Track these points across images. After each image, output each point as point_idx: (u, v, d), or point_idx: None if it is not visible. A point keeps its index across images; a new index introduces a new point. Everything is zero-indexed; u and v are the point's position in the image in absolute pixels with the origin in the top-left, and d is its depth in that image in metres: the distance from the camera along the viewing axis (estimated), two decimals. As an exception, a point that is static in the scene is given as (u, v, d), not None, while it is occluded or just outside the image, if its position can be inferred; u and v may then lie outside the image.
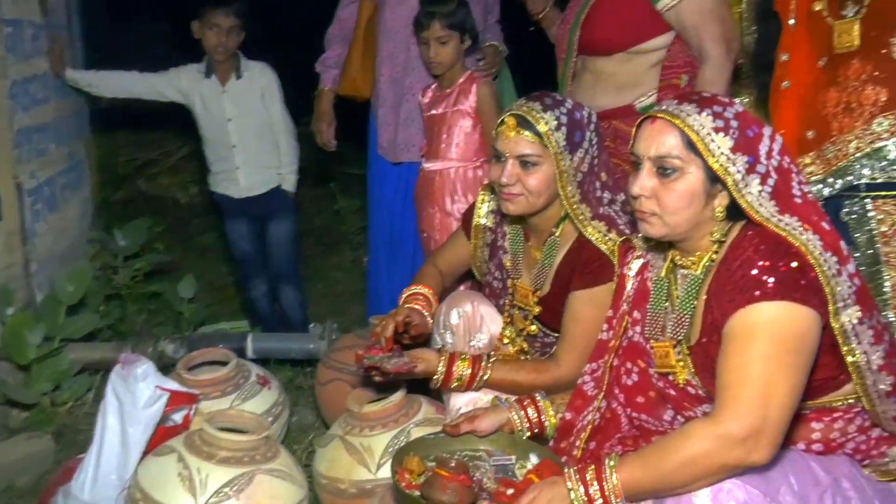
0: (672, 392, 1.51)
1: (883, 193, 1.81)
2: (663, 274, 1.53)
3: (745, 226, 1.40)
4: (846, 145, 1.83)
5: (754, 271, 1.30)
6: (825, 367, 1.34)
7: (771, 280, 1.28)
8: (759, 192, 1.35)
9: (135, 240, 3.16)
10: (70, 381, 2.54)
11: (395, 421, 1.93)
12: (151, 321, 3.07)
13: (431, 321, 1.99)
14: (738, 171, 1.34)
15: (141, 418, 1.77)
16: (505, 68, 2.86)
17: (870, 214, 1.83)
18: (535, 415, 1.71)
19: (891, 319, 1.76)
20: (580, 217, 1.78)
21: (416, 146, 2.72)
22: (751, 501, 1.26)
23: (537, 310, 1.90)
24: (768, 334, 1.27)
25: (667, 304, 1.52)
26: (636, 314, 1.59)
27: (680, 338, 1.46)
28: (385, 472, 1.83)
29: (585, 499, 1.33)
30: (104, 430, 1.79)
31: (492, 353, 1.92)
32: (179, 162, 5.36)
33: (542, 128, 1.73)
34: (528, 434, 1.70)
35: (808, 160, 1.89)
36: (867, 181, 1.81)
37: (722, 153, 1.34)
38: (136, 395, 1.77)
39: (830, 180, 1.86)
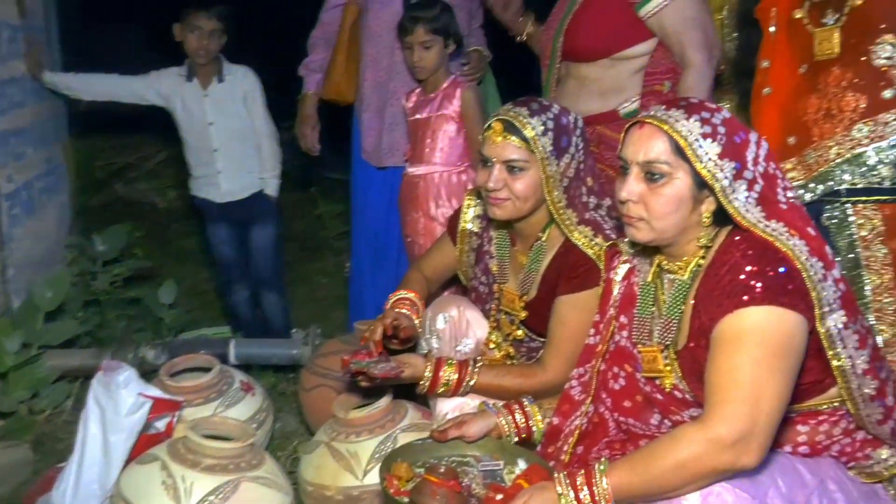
0: (659, 396, 1.52)
1: (863, 199, 1.83)
2: (650, 279, 1.54)
3: (731, 231, 1.41)
4: (827, 151, 1.86)
5: (742, 276, 1.31)
6: (811, 371, 1.36)
7: (759, 285, 1.29)
8: (746, 198, 1.37)
9: (114, 245, 3.12)
10: (48, 389, 2.50)
11: (382, 427, 1.92)
12: (131, 327, 3.03)
13: (419, 325, 1.99)
14: (726, 178, 1.35)
15: (123, 426, 1.75)
16: (489, 73, 2.87)
17: (850, 219, 1.85)
18: (523, 420, 1.71)
19: (872, 323, 1.78)
20: (566, 222, 1.79)
21: (401, 151, 2.72)
22: (740, 505, 1.27)
23: (524, 314, 1.90)
24: (757, 339, 1.28)
25: (653, 308, 1.53)
26: (623, 319, 1.59)
27: (668, 342, 1.47)
28: (372, 478, 1.82)
29: (576, 503, 1.33)
30: (85, 439, 1.76)
31: (478, 357, 1.92)
32: (158, 166, 5.31)
33: (528, 133, 1.74)
34: (516, 439, 1.70)
35: (789, 166, 1.91)
36: (847, 186, 1.84)
37: (710, 159, 1.36)
38: (118, 402, 1.74)
39: (812, 185, 1.88)
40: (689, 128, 1.37)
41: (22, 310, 2.60)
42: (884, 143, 1.79)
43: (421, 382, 1.84)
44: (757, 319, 1.29)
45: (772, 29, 2.02)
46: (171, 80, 2.87)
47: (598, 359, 1.62)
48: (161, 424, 1.90)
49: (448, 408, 1.88)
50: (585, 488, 1.33)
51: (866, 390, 1.36)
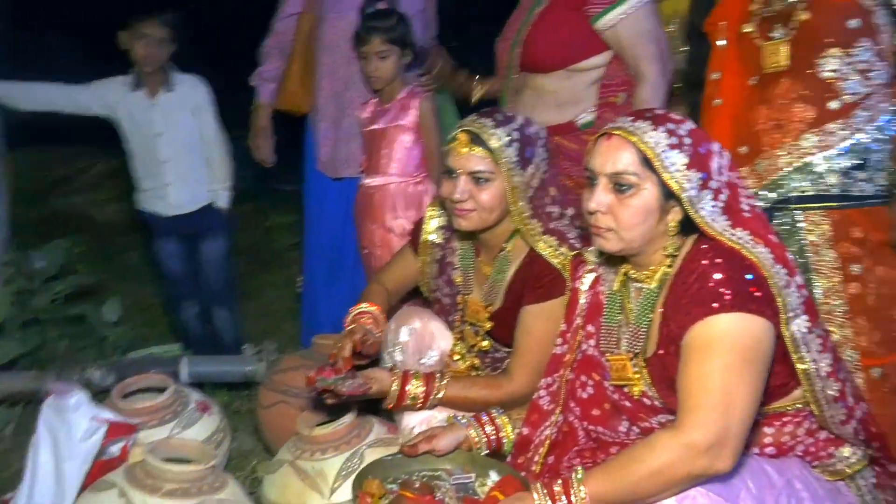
0: (627, 404, 1.54)
1: (812, 206, 1.90)
2: (616, 287, 1.56)
3: (697, 239, 1.44)
4: (777, 160, 1.92)
5: (711, 284, 1.34)
6: (777, 374, 1.39)
7: (728, 293, 1.32)
8: (713, 207, 1.40)
9: (53, 261, 2.98)
10: (-14, 416, 2.38)
11: (348, 443, 1.88)
12: (74, 347, 2.90)
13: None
14: (693, 188, 1.38)
15: (78, 452, 1.67)
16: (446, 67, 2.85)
17: (799, 225, 1.91)
18: (494, 431, 1.70)
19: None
20: (531, 232, 1.80)
21: (357, 161, 2.70)
22: (714, 508, 1.29)
23: (489, 325, 1.90)
24: (727, 345, 1.31)
25: (620, 317, 1.55)
26: (590, 328, 1.61)
27: (637, 350, 1.49)
28: (339, 496, 1.78)
29: (554, 513, 1.33)
30: (36, 468, 1.67)
31: (444, 370, 1.91)
32: (94, 179, 5.13)
33: (494, 144, 1.74)
34: (487, 451, 1.70)
35: (742, 174, 1.97)
36: (798, 194, 1.90)
37: (677, 170, 1.38)
38: (71, 427, 1.66)
39: (763, 193, 1.94)
40: (656, 139, 1.39)
41: (-44, 331, 2.46)
42: (831, 152, 1.86)
43: (388, 397, 1.81)
44: (727, 326, 1.32)
45: (721, 42, 2.08)
46: (117, 90, 2.77)
47: (566, 368, 1.63)
48: (115, 449, 1.82)
49: (415, 421, 1.87)
50: (563, 497, 1.33)
51: (830, 392, 1.40)
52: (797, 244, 1.90)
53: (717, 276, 1.34)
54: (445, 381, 1.83)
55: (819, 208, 1.89)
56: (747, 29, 1.99)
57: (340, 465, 1.84)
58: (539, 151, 1.80)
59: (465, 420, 1.72)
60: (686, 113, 2.44)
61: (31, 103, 2.80)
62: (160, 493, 1.64)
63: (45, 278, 2.95)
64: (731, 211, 1.41)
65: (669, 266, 1.45)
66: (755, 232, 1.40)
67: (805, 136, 1.88)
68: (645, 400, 1.50)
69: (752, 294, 1.32)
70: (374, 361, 1.98)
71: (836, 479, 1.48)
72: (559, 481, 1.35)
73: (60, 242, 3.09)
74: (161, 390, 2.14)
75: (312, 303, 2.94)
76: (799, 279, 1.40)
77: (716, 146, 1.45)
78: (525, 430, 1.67)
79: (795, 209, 1.91)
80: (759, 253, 1.36)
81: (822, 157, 1.87)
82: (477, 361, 1.97)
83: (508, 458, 1.70)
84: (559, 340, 1.65)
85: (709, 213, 1.39)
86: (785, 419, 1.46)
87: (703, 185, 1.39)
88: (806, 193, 1.90)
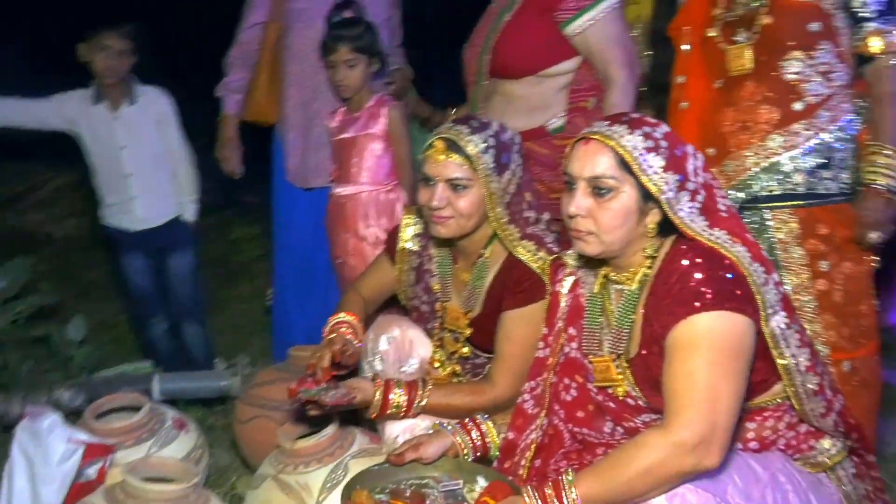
0: (611, 404, 1.55)
1: (780, 204, 1.96)
2: (596, 290, 1.58)
3: (676, 240, 1.46)
4: (744, 161, 1.97)
5: (692, 283, 1.36)
6: (758, 370, 1.42)
7: (709, 291, 1.35)
8: (690, 208, 1.42)
9: (13, 280, 2.90)
10: (-51, 442, 2.28)
11: (331, 455, 1.86)
12: (39, 368, 2.82)
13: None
14: (671, 190, 1.41)
15: (55, 476, 1.62)
16: (411, 90, 2.87)
17: (768, 223, 1.96)
18: (479, 437, 1.70)
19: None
20: (510, 237, 1.81)
21: (327, 171, 2.68)
22: (703, 504, 1.32)
23: (469, 331, 1.91)
24: (710, 343, 1.33)
25: (602, 319, 1.56)
26: (571, 330, 1.62)
27: (620, 352, 1.51)
28: (325, 509, 1.76)
29: (547, 516, 1.34)
30: (11, 495, 1.62)
31: (426, 377, 1.90)
32: (51, 195, 4.99)
33: (471, 150, 1.75)
34: (473, 457, 1.70)
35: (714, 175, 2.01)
36: (766, 193, 1.95)
37: (654, 172, 1.41)
38: (48, 450, 1.62)
39: (732, 193, 1.98)
40: (633, 142, 1.42)
41: (-86, 356, 2.37)
42: (796, 152, 1.92)
43: (371, 407, 1.80)
44: (709, 325, 1.34)
45: (685, 47, 2.13)
46: (77, 104, 2.71)
47: (549, 371, 1.64)
48: (92, 471, 1.77)
49: (398, 430, 1.86)
50: (555, 500, 1.34)
51: (809, 385, 1.44)
52: (766, 242, 1.95)
53: (698, 275, 1.37)
54: (428, 389, 1.83)
55: (786, 207, 1.95)
56: (711, 33, 2.04)
57: (325, 478, 1.81)
58: (515, 157, 1.82)
59: (450, 427, 1.71)
60: (652, 117, 2.50)
61: (-15, 118, 2.72)
62: (142, 514, 1.61)
63: (4, 299, 2.87)
64: (708, 211, 1.44)
65: (649, 267, 1.47)
66: (732, 231, 1.43)
67: (771, 136, 1.94)
68: (629, 400, 1.51)
69: (732, 292, 1.35)
70: (353, 372, 1.96)
71: (817, 470, 1.51)
72: (550, 484, 1.36)
73: (20, 261, 3.00)
74: (134, 409, 2.08)
75: (284, 315, 2.90)
76: (776, 276, 1.43)
77: (690, 148, 1.48)
78: (510, 435, 1.67)
79: (764, 208, 1.96)
80: (737, 252, 1.39)
81: (788, 157, 1.92)
82: (458, 368, 1.96)
83: (495, 464, 1.70)
84: (541, 344, 1.66)
85: (687, 213, 1.42)
86: (766, 414, 1.50)
87: (681, 187, 1.42)
88: (773, 193, 1.95)
